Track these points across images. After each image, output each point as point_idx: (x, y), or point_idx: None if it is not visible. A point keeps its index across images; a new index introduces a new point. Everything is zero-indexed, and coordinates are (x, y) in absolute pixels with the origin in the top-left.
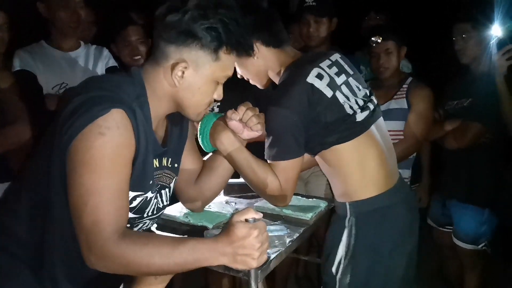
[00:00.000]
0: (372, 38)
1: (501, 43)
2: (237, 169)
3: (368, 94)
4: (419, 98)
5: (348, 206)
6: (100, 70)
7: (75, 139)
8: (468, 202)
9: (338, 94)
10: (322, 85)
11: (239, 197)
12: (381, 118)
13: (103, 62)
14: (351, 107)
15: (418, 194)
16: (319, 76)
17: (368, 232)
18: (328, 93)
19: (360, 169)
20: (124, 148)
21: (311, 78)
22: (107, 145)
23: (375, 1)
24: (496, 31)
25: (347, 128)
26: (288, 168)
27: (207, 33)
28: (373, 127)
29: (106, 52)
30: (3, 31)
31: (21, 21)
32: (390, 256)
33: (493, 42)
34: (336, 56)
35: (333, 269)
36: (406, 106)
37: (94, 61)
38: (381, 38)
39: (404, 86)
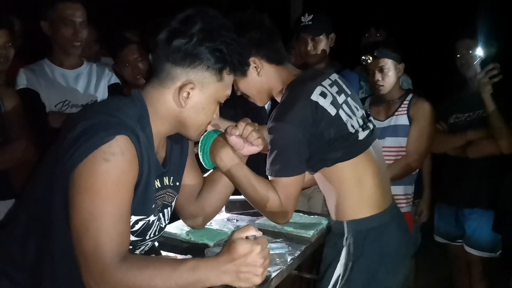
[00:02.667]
0: (363, 57)
1: (483, 63)
2: (237, 186)
3: (365, 114)
4: (420, 113)
5: (345, 225)
6: (103, 87)
7: (80, 165)
8: (487, 209)
9: (341, 112)
10: (326, 103)
11: (241, 214)
12: (377, 139)
13: (106, 79)
14: (352, 126)
15: (420, 208)
16: (323, 95)
17: (366, 252)
18: (332, 111)
19: (358, 187)
20: (128, 174)
21: (316, 96)
22: (111, 171)
23: (376, 17)
24: (480, 51)
25: (350, 146)
26: (290, 184)
27: (212, 55)
28: (370, 147)
29: (108, 69)
30: (7, 49)
31: (25, 39)
32: (386, 276)
33: (476, 62)
34: (335, 76)
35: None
36: (407, 122)
37: (96, 78)
38: (371, 58)
39: (405, 102)
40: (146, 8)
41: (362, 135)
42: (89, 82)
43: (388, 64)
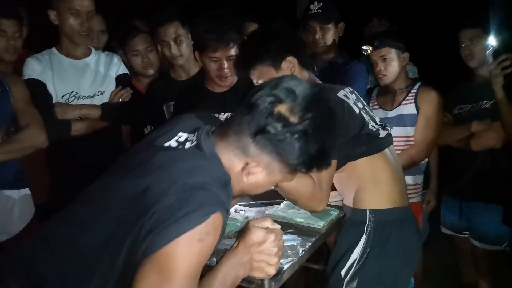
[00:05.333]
0: (363, 47)
1: (496, 53)
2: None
3: (379, 121)
4: (427, 102)
5: (368, 213)
6: (111, 77)
7: (172, 243)
8: (492, 201)
9: (363, 112)
10: (350, 102)
11: (249, 205)
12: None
13: (114, 69)
14: (373, 126)
15: (427, 198)
16: (346, 97)
17: (384, 241)
18: (356, 109)
19: (375, 183)
20: (213, 249)
21: (342, 95)
22: (204, 252)
23: (381, 7)
24: (492, 40)
25: (373, 142)
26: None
27: (300, 158)
28: (387, 150)
29: (116, 59)
30: (15, 39)
31: (34, 27)
32: (401, 268)
33: (489, 52)
34: (349, 89)
35: (343, 272)
36: (415, 112)
37: (104, 68)
38: (371, 48)
39: (413, 91)
40: None
41: (382, 133)
42: (97, 73)
43: (391, 54)
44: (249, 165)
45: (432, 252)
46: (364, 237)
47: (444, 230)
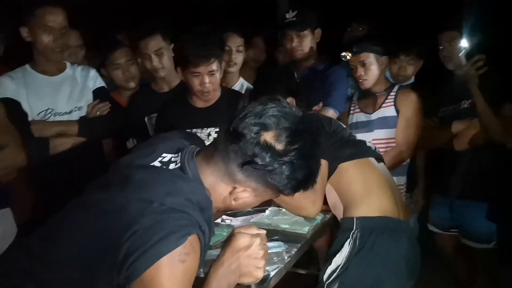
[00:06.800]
0: (342, 54)
1: (469, 54)
2: None
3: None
4: (406, 103)
5: (355, 220)
6: (88, 91)
7: (154, 266)
8: (480, 199)
9: (348, 128)
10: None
11: (233, 214)
12: (367, 132)
13: (91, 83)
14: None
15: (415, 198)
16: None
17: (368, 247)
18: (343, 125)
19: (366, 190)
20: (197, 269)
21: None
22: (187, 272)
23: (361, 11)
24: (465, 42)
25: (360, 147)
26: None
27: (287, 186)
28: (379, 166)
29: (93, 72)
30: None
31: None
32: (385, 278)
33: (462, 53)
34: None
35: (325, 276)
36: (395, 114)
37: (81, 82)
38: (349, 54)
39: (392, 93)
40: (132, 10)
41: (369, 144)
42: (73, 88)
43: (370, 58)
44: (236, 190)
45: (424, 251)
46: (348, 242)
47: (431, 228)
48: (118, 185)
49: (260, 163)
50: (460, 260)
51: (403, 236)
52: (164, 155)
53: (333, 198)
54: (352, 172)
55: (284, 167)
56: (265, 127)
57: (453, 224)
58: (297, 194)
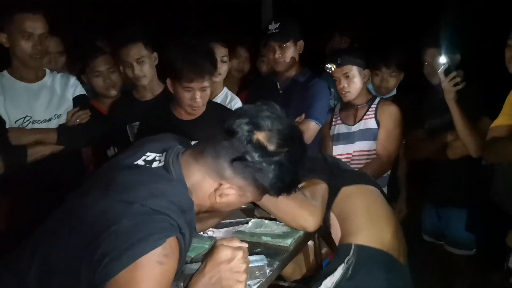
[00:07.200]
0: (326, 65)
1: (447, 70)
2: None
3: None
4: (387, 115)
5: (353, 247)
6: (68, 99)
7: (130, 266)
8: (462, 207)
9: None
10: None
11: (215, 226)
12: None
13: (70, 91)
14: None
15: (398, 207)
16: None
17: (361, 279)
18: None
19: (369, 215)
20: (175, 272)
21: None
22: (165, 275)
23: (347, 22)
24: (443, 59)
25: (361, 174)
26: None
27: (274, 186)
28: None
29: (73, 80)
30: None
31: None
32: None
33: (441, 70)
34: None
35: None
36: (376, 126)
37: (60, 90)
38: (334, 66)
39: (373, 106)
40: (114, 17)
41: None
42: (53, 95)
43: (353, 71)
44: (222, 186)
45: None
46: (342, 267)
47: (425, 237)
48: (102, 187)
49: (250, 160)
50: (443, 265)
51: (401, 279)
52: (148, 154)
53: (335, 229)
54: (356, 198)
55: (273, 166)
56: (258, 127)
57: (443, 233)
58: (293, 203)
